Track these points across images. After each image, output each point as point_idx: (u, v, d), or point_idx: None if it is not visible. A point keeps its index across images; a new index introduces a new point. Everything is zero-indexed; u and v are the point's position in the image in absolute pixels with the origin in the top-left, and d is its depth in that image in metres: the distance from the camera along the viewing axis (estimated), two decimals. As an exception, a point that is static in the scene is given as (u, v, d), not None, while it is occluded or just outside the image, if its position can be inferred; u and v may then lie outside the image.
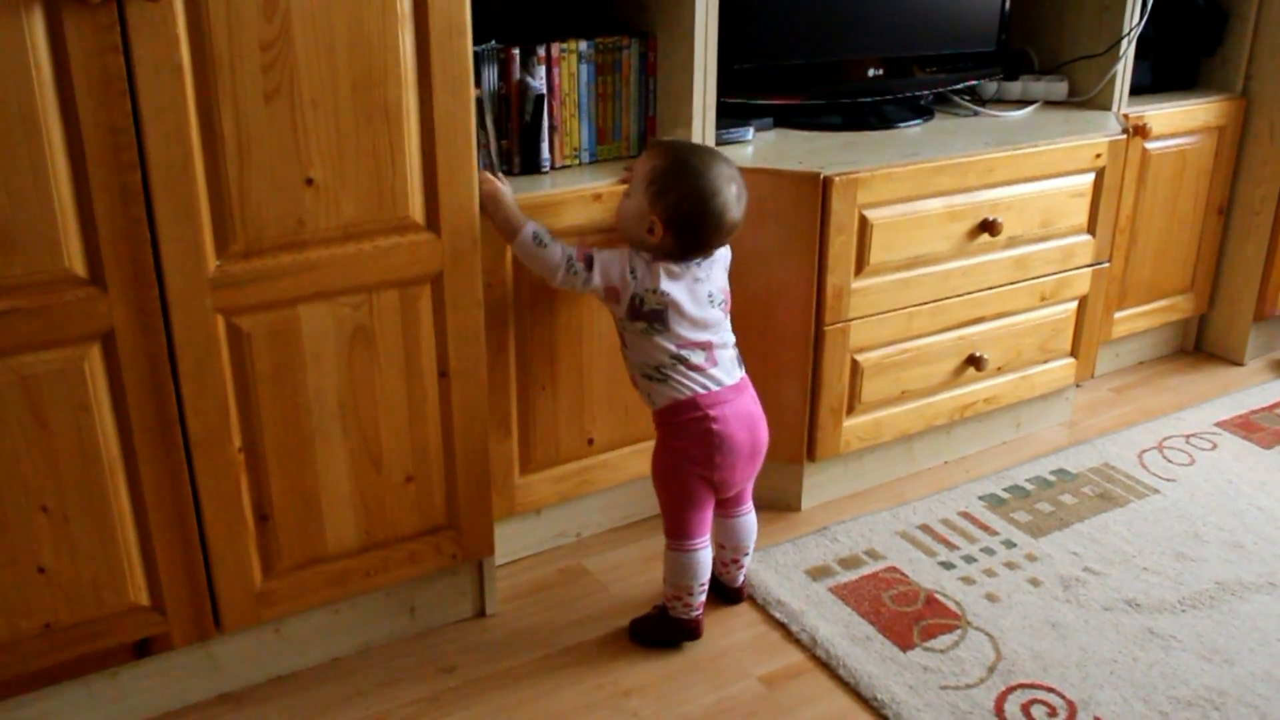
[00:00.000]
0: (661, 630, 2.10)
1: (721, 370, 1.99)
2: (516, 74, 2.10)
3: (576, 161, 2.23)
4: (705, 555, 2.05)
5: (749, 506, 2.16)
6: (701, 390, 1.96)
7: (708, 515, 2.05)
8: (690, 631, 2.10)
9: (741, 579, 2.22)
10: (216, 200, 1.65)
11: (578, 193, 2.09)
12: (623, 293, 1.94)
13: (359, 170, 1.74)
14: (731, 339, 2.03)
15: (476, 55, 2.00)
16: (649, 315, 1.94)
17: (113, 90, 1.53)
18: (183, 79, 1.57)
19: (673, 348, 1.95)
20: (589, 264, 1.94)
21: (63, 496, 1.67)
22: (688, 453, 1.98)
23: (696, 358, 1.96)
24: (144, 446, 1.71)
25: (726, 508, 2.12)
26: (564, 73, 2.15)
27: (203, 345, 1.70)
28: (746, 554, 2.19)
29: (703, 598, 2.09)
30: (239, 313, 1.72)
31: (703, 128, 2.23)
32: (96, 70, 1.51)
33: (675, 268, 1.94)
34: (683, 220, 1.90)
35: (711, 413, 1.96)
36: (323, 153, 1.70)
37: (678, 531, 2.03)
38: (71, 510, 1.69)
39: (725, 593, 2.22)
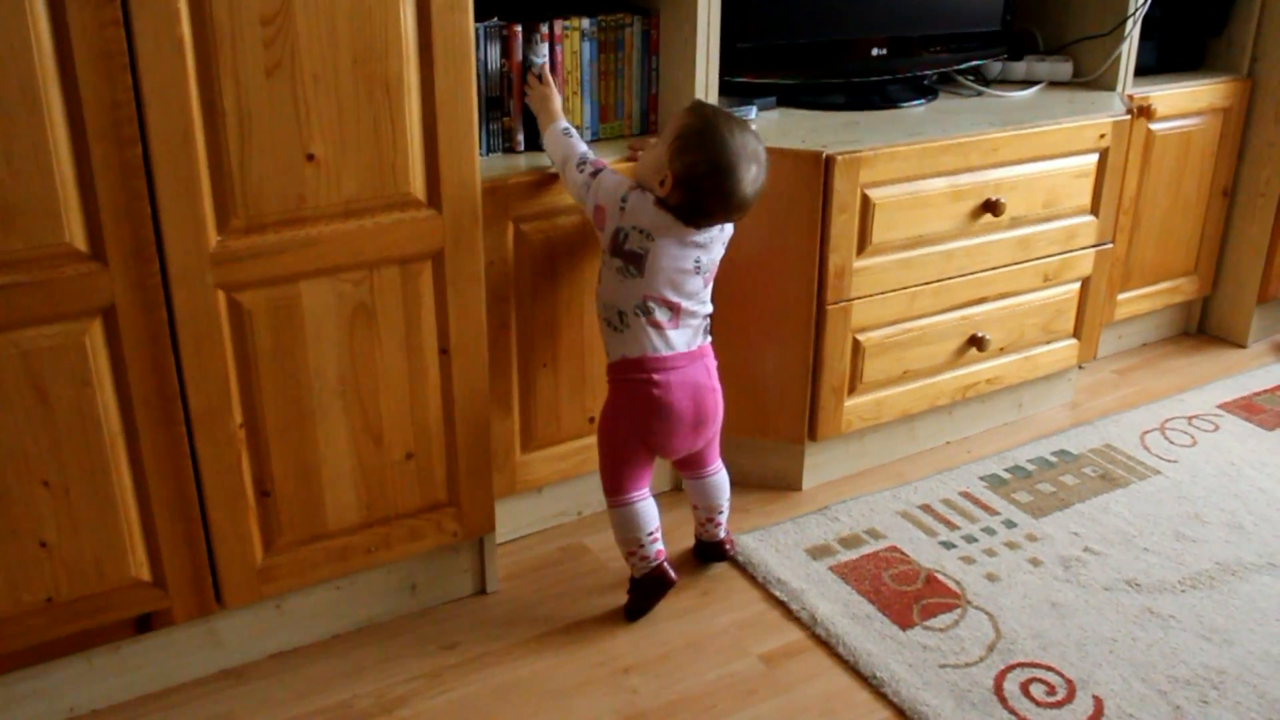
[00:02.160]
0: (638, 595, 2.11)
1: (681, 335, 1.99)
2: (519, 52, 2.09)
3: (579, 139, 2.23)
4: (645, 506, 2.05)
5: (716, 466, 2.17)
6: (652, 352, 1.96)
7: (645, 472, 2.05)
8: (660, 580, 2.09)
9: (723, 533, 2.23)
10: (217, 176, 1.65)
11: (580, 170, 2.09)
12: (608, 220, 1.95)
13: (360, 146, 1.73)
14: (706, 309, 2.02)
15: (478, 32, 2.00)
16: (628, 255, 1.93)
17: (114, 65, 1.53)
18: (184, 54, 1.57)
19: (640, 296, 1.94)
20: (595, 173, 1.97)
21: (64, 471, 1.67)
22: (627, 412, 2.01)
23: (661, 314, 1.96)
24: (145, 422, 1.71)
25: (693, 469, 2.15)
26: (567, 50, 2.14)
27: (203, 321, 1.70)
28: (721, 511, 2.20)
29: (657, 546, 2.08)
30: (240, 288, 1.72)
31: (705, 106, 2.22)
32: (97, 44, 1.51)
33: (675, 223, 1.93)
34: (693, 182, 1.89)
35: (656, 377, 1.97)
36: (324, 128, 1.70)
37: (613, 487, 2.05)
38: (73, 485, 1.69)
39: (710, 550, 2.23)
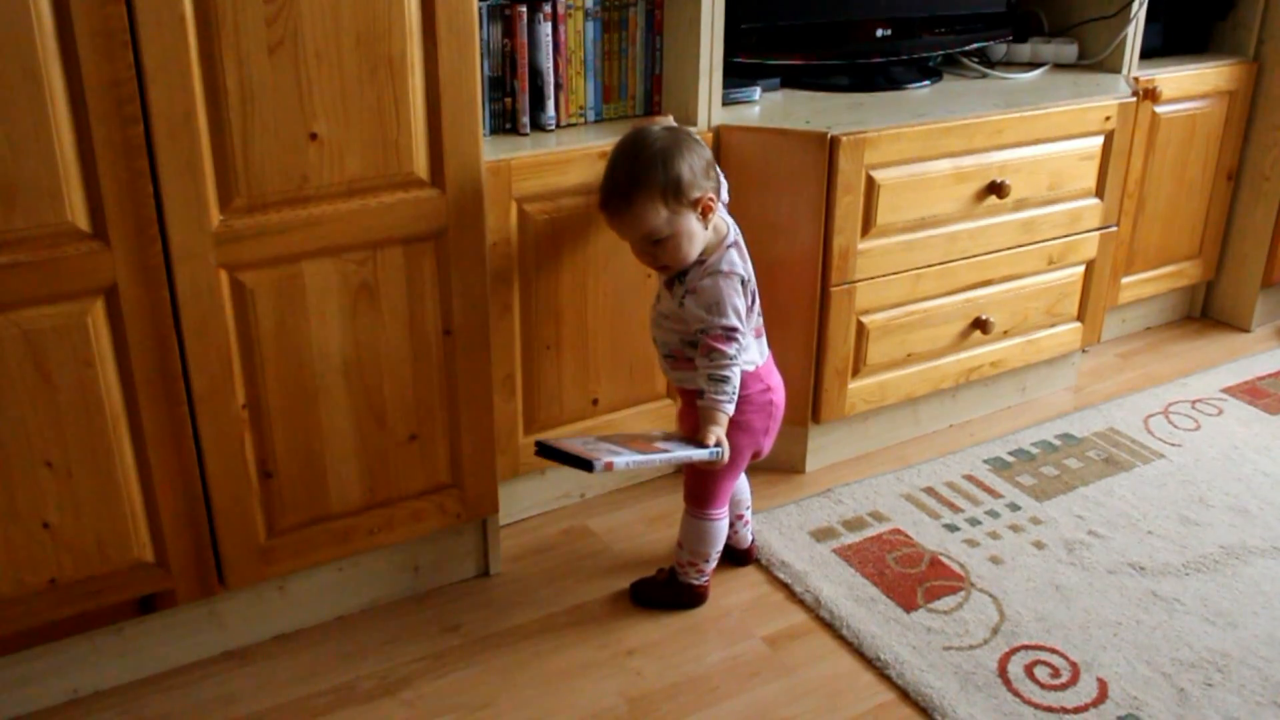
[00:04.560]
0: (670, 594, 2.10)
1: (763, 338, 2.01)
2: (523, 33, 2.07)
3: (582, 120, 2.22)
4: (725, 523, 2.07)
5: None
6: (760, 362, 1.98)
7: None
8: (699, 597, 2.10)
9: (751, 538, 2.22)
10: (220, 154, 1.64)
11: (584, 151, 2.08)
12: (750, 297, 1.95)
13: (363, 125, 1.72)
14: None
15: (480, 11, 1.98)
16: (752, 295, 1.95)
17: (115, 42, 1.52)
18: (185, 31, 1.56)
19: (757, 314, 1.97)
20: (739, 335, 1.87)
21: (66, 452, 1.67)
22: (750, 425, 1.97)
23: (759, 322, 1.99)
24: (147, 402, 1.70)
25: None
26: (570, 30, 2.13)
27: (206, 301, 1.70)
28: (748, 508, 2.20)
29: (715, 563, 2.09)
30: (242, 268, 1.71)
31: (709, 87, 2.21)
32: (98, 22, 1.50)
33: (743, 242, 1.94)
34: (711, 170, 1.87)
35: (770, 383, 1.99)
36: (327, 107, 1.69)
37: (711, 501, 2.02)
38: (75, 466, 1.68)
39: (735, 555, 2.21)
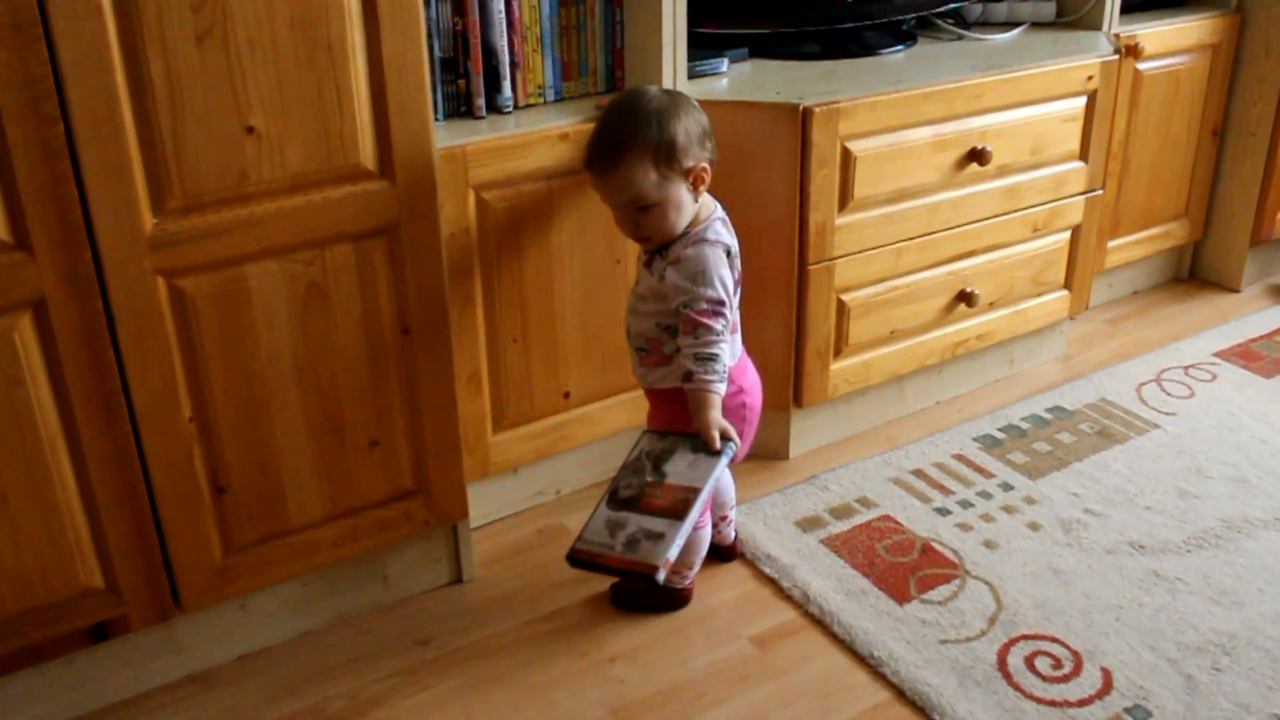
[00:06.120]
0: (652, 597, 2.00)
1: (738, 335, 1.91)
2: (475, 9, 1.96)
3: (541, 100, 2.11)
4: (709, 530, 1.99)
5: None
6: (732, 362, 1.84)
7: None
8: (683, 599, 2.01)
9: (733, 534, 2.13)
10: (149, 153, 1.53)
11: (544, 133, 1.97)
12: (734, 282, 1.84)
13: (303, 115, 1.61)
14: None
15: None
16: (736, 279, 1.84)
17: (26, 35, 1.41)
18: (103, 21, 1.45)
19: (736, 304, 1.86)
20: (726, 309, 1.76)
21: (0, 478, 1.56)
22: None
23: (735, 317, 1.87)
24: (86, 421, 1.60)
25: None
26: (524, 5, 2.02)
27: (143, 310, 1.59)
28: (732, 507, 2.10)
29: (699, 567, 2.01)
30: (181, 274, 1.60)
31: (674, 60, 2.10)
32: (5, 14, 1.39)
33: (728, 219, 1.84)
34: (707, 139, 1.78)
35: (743, 384, 1.87)
36: (263, 98, 1.58)
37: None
38: (11, 491, 1.58)
39: (719, 552, 2.12)
